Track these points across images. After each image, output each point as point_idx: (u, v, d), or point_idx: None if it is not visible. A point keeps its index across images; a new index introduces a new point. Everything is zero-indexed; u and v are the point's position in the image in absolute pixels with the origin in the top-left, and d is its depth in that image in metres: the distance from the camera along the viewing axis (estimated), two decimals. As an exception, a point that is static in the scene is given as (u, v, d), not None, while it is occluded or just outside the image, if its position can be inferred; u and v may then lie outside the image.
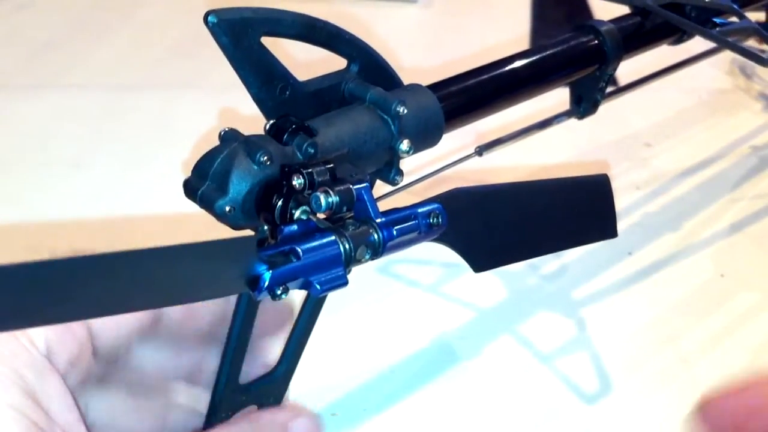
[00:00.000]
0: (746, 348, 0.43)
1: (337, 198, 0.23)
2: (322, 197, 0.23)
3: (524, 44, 0.72)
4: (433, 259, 0.48)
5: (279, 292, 0.22)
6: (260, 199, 0.24)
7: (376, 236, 0.23)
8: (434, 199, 0.26)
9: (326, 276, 0.22)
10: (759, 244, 0.50)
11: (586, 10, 0.76)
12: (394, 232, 0.24)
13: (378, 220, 0.24)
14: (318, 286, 0.22)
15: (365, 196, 0.24)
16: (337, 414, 0.39)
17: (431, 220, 0.25)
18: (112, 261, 0.18)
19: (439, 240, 0.26)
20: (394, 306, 0.46)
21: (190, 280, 0.20)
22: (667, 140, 0.62)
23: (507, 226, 0.27)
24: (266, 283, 0.21)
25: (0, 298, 0.16)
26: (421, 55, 0.70)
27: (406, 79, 0.30)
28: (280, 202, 0.24)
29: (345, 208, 0.23)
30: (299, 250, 0.22)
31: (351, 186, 0.23)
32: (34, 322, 0.19)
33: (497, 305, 0.46)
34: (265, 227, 0.24)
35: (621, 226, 0.53)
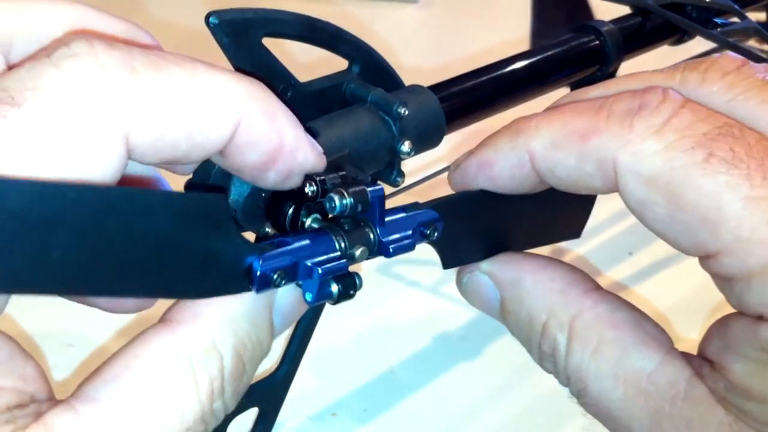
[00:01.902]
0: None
1: (352, 200, 0.23)
2: (336, 198, 0.22)
3: (525, 45, 0.72)
4: (433, 259, 0.48)
5: (276, 276, 0.21)
6: (269, 206, 0.24)
7: (371, 236, 0.23)
8: (432, 206, 0.25)
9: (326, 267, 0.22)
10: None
11: (586, 11, 0.76)
12: (390, 250, 0.24)
13: (378, 229, 0.24)
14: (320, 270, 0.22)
15: (377, 204, 0.23)
16: (337, 414, 0.39)
17: (427, 231, 0.25)
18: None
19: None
20: (395, 306, 0.46)
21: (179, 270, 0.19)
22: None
23: (479, 224, 0.27)
24: (258, 273, 0.21)
25: None
26: (422, 56, 0.70)
27: (407, 80, 0.30)
28: (290, 210, 0.24)
29: (360, 209, 0.23)
30: (295, 243, 0.22)
31: (366, 188, 0.23)
32: None
33: (497, 305, 0.46)
34: (267, 230, 0.25)
35: (621, 226, 0.53)
